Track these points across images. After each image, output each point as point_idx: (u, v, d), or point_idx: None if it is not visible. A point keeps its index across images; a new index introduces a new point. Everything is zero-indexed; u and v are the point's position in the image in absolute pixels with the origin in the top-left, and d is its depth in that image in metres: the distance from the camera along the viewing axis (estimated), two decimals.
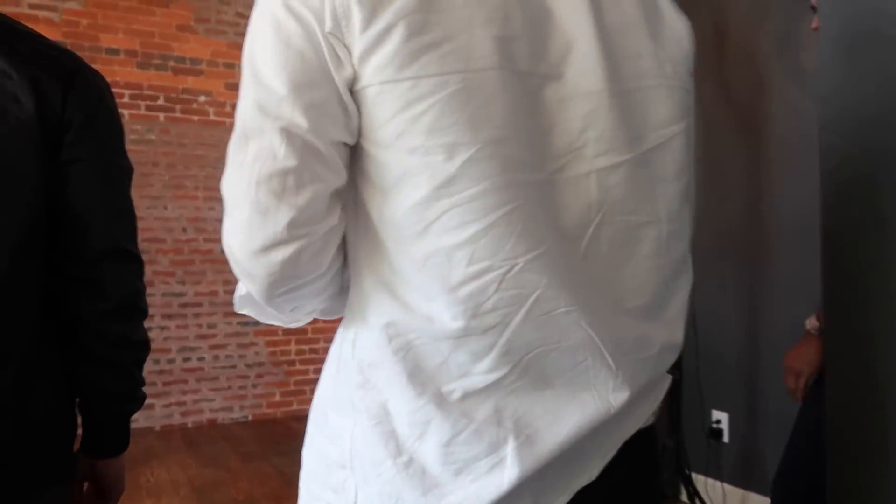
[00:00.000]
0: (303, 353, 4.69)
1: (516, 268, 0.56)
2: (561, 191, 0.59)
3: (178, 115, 4.39)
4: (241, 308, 0.70)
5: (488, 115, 0.55)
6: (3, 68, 0.83)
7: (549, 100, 0.58)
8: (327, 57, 0.54)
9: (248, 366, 4.54)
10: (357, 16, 0.53)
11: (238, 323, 4.52)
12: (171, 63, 4.39)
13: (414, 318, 0.58)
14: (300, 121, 0.55)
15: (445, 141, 0.54)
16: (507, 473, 0.56)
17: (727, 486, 2.83)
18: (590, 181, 0.60)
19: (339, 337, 0.67)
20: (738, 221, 2.81)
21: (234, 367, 4.51)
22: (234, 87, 4.55)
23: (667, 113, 0.64)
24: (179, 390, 4.27)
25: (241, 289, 0.67)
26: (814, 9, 1.67)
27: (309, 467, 0.68)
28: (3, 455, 0.83)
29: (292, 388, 4.65)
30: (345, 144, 0.58)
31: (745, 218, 2.78)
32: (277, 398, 4.60)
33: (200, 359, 4.38)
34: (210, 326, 4.44)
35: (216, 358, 4.46)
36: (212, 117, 4.49)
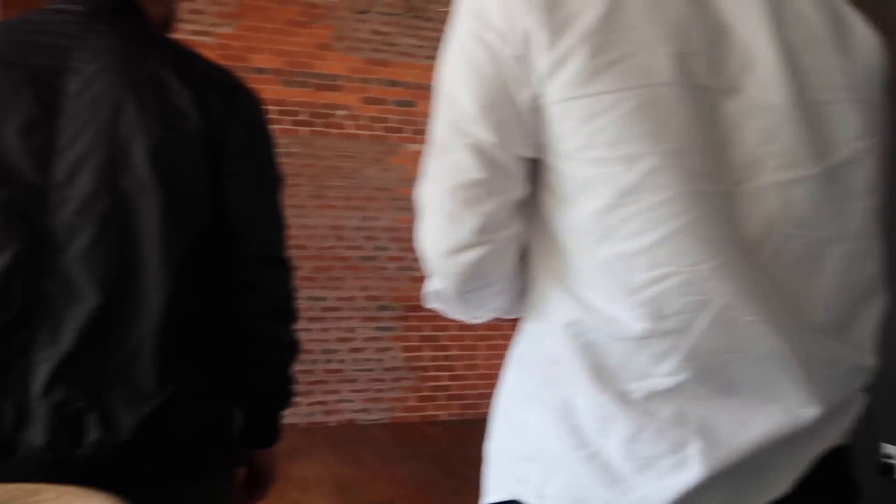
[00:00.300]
0: (436, 360, 4.76)
1: (699, 274, 0.57)
2: (740, 203, 0.60)
3: (319, 128, 4.62)
4: (430, 303, 0.74)
5: (668, 128, 0.57)
6: (175, 87, 0.89)
7: (727, 113, 0.60)
8: (512, 79, 0.60)
9: (385, 370, 4.67)
10: (542, 39, 0.58)
11: (375, 328, 4.68)
12: (313, 80, 4.64)
13: (595, 318, 0.60)
14: (488, 137, 0.61)
15: (627, 152, 0.57)
16: (691, 473, 0.57)
17: None
18: (770, 194, 0.60)
19: (522, 336, 0.70)
20: None
21: (371, 370, 4.66)
22: (370, 101, 4.73)
23: (856, 127, 0.63)
24: (321, 390, 4.48)
25: (433, 285, 0.72)
26: None
27: (494, 460, 0.70)
28: (179, 445, 0.90)
29: (426, 393, 4.73)
30: (528, 158, 0.63)
31: None
32: (412, 402, 4.70)
33: (341, 361, 4.57)
34: (349, 330, 4.62)
35: (355, 361, 4.63)
36: (349, 130, 4.69)
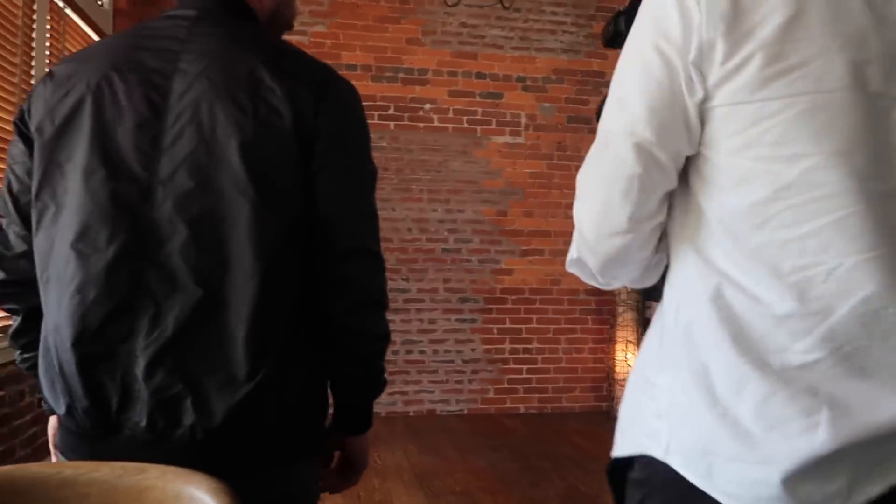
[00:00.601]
0: (517, 353, 4.76)
1: (844, 266, 0.62)
2: None
3: (406, 122, 4.70)
4: (570, 268, 0.82)
5: (834, 130, 0.62)
6: (269, 84, 0.91)
7: None
8: (683, 84, 0.66)
9: (465, 361, 4.71)
10: (720, 49, 0.63)
11: (456, 319, 4.72)
12: (401, 74, 4.71)
13: (741, 295, 0.66)
14: (650, 137, 0.68)
15: (789, 152, 0.63)
16: (821, 437, 0.60)
17: None
18: None
19: (662, 309, 0.76)
20: None
21: (451, 361, 4.71)
22: (456, 94, 4.76)
23: None
24: (402, 380, 4.57)
25: (574, 253, 0.80)
26: None
27: (626, 418, 0.77)
28: (268, 431, 0.93)
29: (505, 385, 4.74)
30: (684, 155, 0.70)
31: None
32: (491, 395, 4.72)
33: (421, 352, 4.64)
34: (431, 322, 4.68)
35: (435, 352, 4.70)
36: (436, 123, 4.73)
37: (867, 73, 0.63)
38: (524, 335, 4.77)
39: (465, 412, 4.68)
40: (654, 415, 0.72)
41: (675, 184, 0.72)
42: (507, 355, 4.75)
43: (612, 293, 4.52)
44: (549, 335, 4.78)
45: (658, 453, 0.70)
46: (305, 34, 4.45)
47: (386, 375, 1.07)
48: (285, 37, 1.12)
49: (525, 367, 4.73)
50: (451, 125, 4.73)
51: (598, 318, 4.81)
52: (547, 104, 4.81)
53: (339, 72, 1.07)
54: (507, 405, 4.73)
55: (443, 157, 4.71)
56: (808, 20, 0.63)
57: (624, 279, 0.81)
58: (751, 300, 0.66)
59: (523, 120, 4.78)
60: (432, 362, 4.69)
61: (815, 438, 0.61)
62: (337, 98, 0.97)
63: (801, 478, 0.61)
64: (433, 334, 4.69)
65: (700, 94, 0.66)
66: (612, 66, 0.77)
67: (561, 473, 3.41)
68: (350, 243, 0.97)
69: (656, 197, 0.71)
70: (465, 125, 4.74)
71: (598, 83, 4.88)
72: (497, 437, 4.10)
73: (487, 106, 4.77)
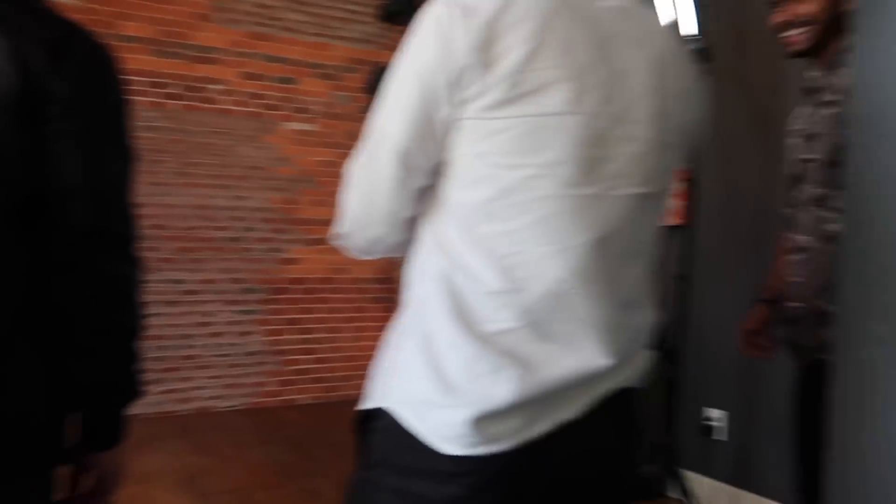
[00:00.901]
0: (300, 343, 4.69)
1: (540, 254, 0.79)
2: (608, 205, 0.81)
3: (191, 102, 4.40)
4: (335, 241, 0.95)
5: (550, 146, 0.77)
6: None
7: (612, 136, 0.80)
8: (437, 103, 0.79)
9: (245, 354, 4.53)
10: (472, 74, 0.76)
11: (237, 311, 4.52)
12: (188, 51, 4.40)
13: (464, 275, 0.81)
14: (408, 146, 0.81)
15: (513, 162, 0.78)
16: (509, 388, 0.78)
17: (718, 484, 2.83)
18: (627, 202, 0.82)
19: (411, 280, 0.90)
20: (747, 222, 2.81)
21: (229, 355, 4.50)
22: (249, 77, 4.56)
23: (671, 165, 0.91)
24: (174, 378, 4.27)
25: (342, 232, 0.93)
26: (772, 3, 1.66)
27: (372, 378, 0.90)
28: None
29: (287, 377, 4.64)
30: (435, 159, 0.83)
31: (754, 217, 2.78)
32: (272, 387, 4.60)
33: (198, 346, 4.38)
34: (208, 314, 4.44)
35: (213, 346, 4.46)
36: (225, 106, 4.50)
37: (588, 99, 0.78)
38: (308, 325, 4.72)
39: (244, 407, 4.50)
40: (391, 374, 0.87)
41: (429, 182, 0.85)
42: (290, 346, 4.66)
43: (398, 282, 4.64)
44: (334, 324, 4.77)
45: (392, 405, 0.84)
46: None
47: (141, 378, 0.93)
48: None
49: (308, 357, 4.68)
50: (242, 108, 4.53)
51: (384, 306, 4.91)
52: (342, 93, 4.80)
53: (117, 43, 0.95)
54: (289, 397, 4.64)
55: (230, 141, 4.49)
56: (544, 54, 0.77)
57: (384, 253, 0.95)
58: (471, 279, 0.80)
59: (316, 107, 4.72)
60: (209, 357, 4.44)
61: (505, 388, 0.78)
62: (79, 57, 0.86)
63: (490, 419, 0.78)
64: (211, 328, 4.45)
65: (448, 111, 0.79)
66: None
67: (338, 462, 3.41)
68: (89, 223, 0.85)
69: (413, 194, 0.86)
70: (256, 109, 4.56)
71: None
72: (277, 431, 4.01)
73: (280, 91, 4.64)
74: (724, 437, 2.86)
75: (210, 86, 4.45)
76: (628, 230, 0.84)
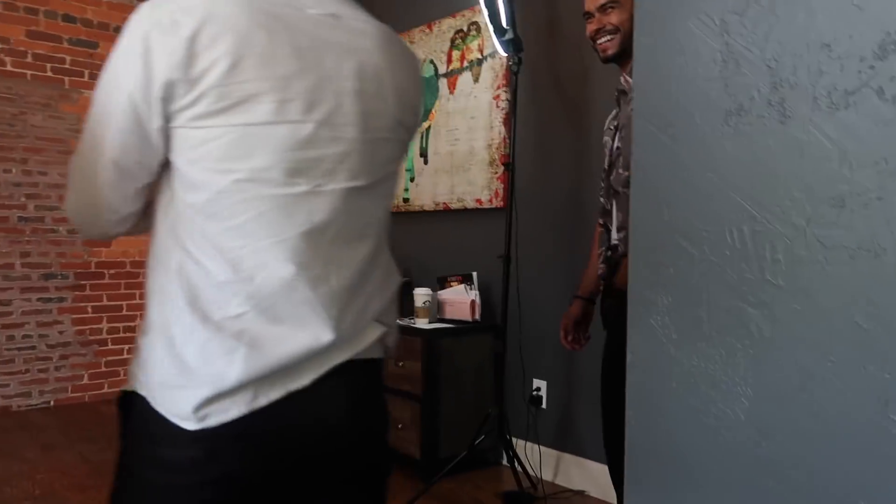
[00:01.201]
0: (116, 332, 4.33)
1: (262, 247, 0.87)
2: (318, 200, 0.90)
3: None
4: (68, 215, 0.98)
5: (260, 152, 0.86)
6: None
7: (317, 140, 0.89)
8: (144, 115, 0.84)
9: (51, 346, 4.11)
10: (179, 88, 0.82)
11: (39, 299, 4.08)
12: None
13: (196, 267, 0.87)
14: (119, 155, 0.87)
15: (225, 167, 0.85)
16: (236, 367, 0.86)
17: (544, 449, 3.04)
18: (338, 196, 0.91)
19: (151, 272, 0.94)
20: (562, 203, 2.99)
21: (33, 347, 4.06)
22: (36, 36, 4.05)
23: (389, 157, 0.99)
24: None
25: (70, 211, 0.96)
26: (586, 14, 1.86)
27: (133, 361, 0.95)
28: None
29: (103, 369, 4.28)
30: (151, 163, 0.89)
31: (569, 200, 2.97)
32: (85, 381, 4.22)
33: None
34: (4, 304, 3.96)
35: (11, 338, 3.99)
36: (9, 68, 3.96)
37: (289, 109, 0.86)
38: (125, 312, 4.37)
39: (52, 404, 4.10)
40: (139, 359, 0.93)
41: (149, 180, 0.91)
42: (104, 336, 4.29)
43: None
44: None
45: (136, 388, 0.91)
46: None
47: None
48: None
49: (127, 346, 4.34)
50: (29, 71, 4.02)
51: None
52: None
53: None
54: (106, 390, 4.29)
55: (18, 108, 3.97)
56: (245, 68, 0.83)
57: (119, 236, 1.02)
58: (203, 271, 0.87)
59: None
60: (7, 351, 3.97)
61: (237, 368, 0.86)
62: None
63: (223, 396, 0.86)
64: (8, 318, 3.98)
65: (160, 122, 0.85)
66: None
67: None
68: None
69: (135, 193, 0.92)
70: (50, 74, 4.07)
71: None
72: (92, 427, 3.69)
73: (79, 55, 4.17)
74: (544, 405, 3.08)
75: None
76: (344, 219, 0.93)
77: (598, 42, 1.85)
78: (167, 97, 0.82)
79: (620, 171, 1.85)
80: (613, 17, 1.81)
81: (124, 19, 4.30)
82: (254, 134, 0.85)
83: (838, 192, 0.65)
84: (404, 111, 0.99)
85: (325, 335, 0.90)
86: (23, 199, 4.00)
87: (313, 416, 0.93)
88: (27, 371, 4.05)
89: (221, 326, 0.86)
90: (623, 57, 1.82)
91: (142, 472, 0.92)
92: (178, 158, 0.86)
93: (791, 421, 0.70)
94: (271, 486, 0.93)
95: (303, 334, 0.89)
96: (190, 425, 0.86)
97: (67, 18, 4.16)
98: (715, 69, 0.76)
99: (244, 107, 0.83)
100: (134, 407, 0.92)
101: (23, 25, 4.02)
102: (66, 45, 4.15)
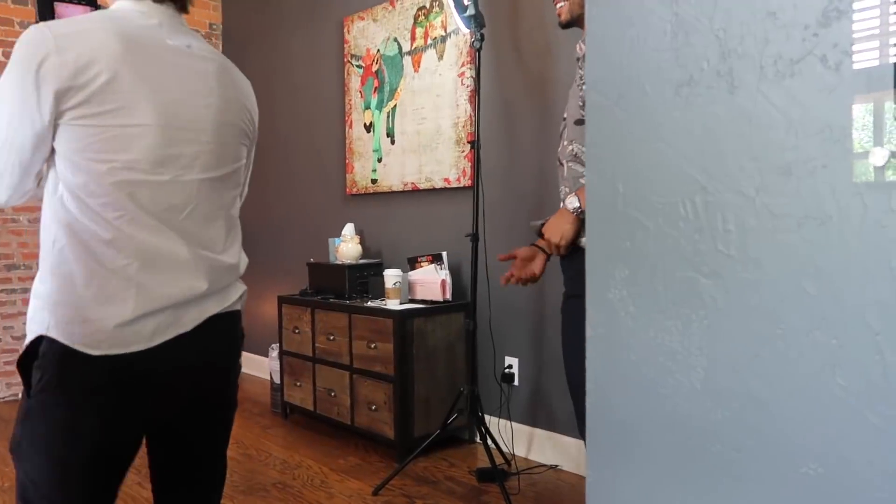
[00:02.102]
0: None
1: (134, 218, 1.12)
2: (177, 186, 1.17)
3: None
4: None
5: (132, 148, 1.11)
6: None
7: (178, 141, 1.16)
8: (43, 120, 1.08)
9: (16, 338, 4.02)
10: (69, 94, 1.07)
11: (2, 291, 3.98)
12: None
13: (87, 230, 1.11)
14: (24, 156, 1.11)
15: (104, 157, 1.10)
16: (130, 303, 1.11)
17: (516, 425, 3.07)
18: (194, 184, 1.20)
19: (43, 243, 1.15)
20: (528, 180, 2.99)
21: None
22: None
23: (235, 156, 1.29)
24: None
25: None
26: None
27: (29, 316, 1.15)
28: None
29: None
30: (41, 152, 1.12)
31: (535, 177, 2.97)
32: None
33: None
34: None
35: None
36: None
37: (158, 116, 1.13)
38: None
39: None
40: (41, 309, 1.12)
41: (40, 165, 1.14)
42: None
43: None
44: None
45: (44, 331, 1.11)
46: None
47: None
48: None
49: None
50: None
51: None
52: None
53: None
54: None
55: None
56: (120, 83, 1.09)
57: (16, 204, 1.22)
58: (90, 232, 1.10)
59: None
60: None
61: (130, 304, 1.11)
62: None
63: (124, 326, 1.11)
64: None
65: (52, 120, 1.08)
66: None
67: None
68: None
69: (32, 175, 1.14)
70: (2, 58, 3.94)
71: None
72: None
73: None
74: (516, 382, 3.10)
75: None
76: (202, 201, 1.21)
77: (556, 7, 1.90)
78: (60, 101, 1.06)
79: (564, 142, 1.87)
80: None
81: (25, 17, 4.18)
82: (127, 134, 1.10)
83: (785, 161, 0.65)
84: (244, 121, 1.30)
85: (200, 285, 1.19)
86: None
87: (194, 356, 1.21)
88: None
89: (114, 272, 1.11)
90: (580, 23, 1.86)
91: (49, 410, 1.12)
92: (65, 147, 1.09)
93: (744, 388, 0.71)
94: (153, 412, 1.20)
95: (178, 283, 1.16)
96: (100, 351, 1.09)
97: (17, 0, 4.01)
98: (665, 40, 0.75)
99: (120, 112, 1.09)
100: (39, 351, 1.12)
101: None
102: (17, 28, 4.01)
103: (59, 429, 1.12)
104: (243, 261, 1.33)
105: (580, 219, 1.77)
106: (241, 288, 1.32)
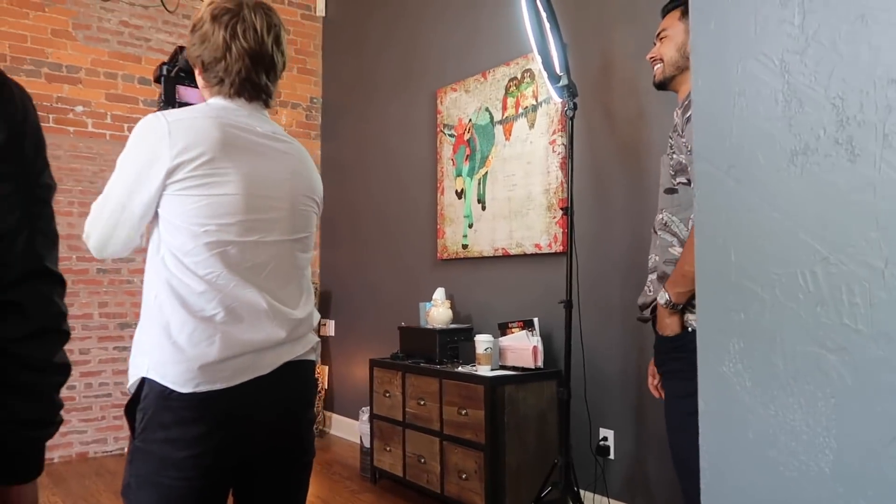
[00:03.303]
0: None
1: (223, 274, 1.30)
2: (260, 247, 1.36)
3: (51, 125, 4.10)
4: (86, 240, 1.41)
5: (225, 214, 1.30)
6: None
7: (261, 208, 1.35)
8: (153, 188, 1.29)
9: (125, 394, 4.25)
10: (177, 171, 1.28)
11: (115, 348, 4.24)
12: (45, 69, 4.11)
13: (182, 284, 1.29)
14: (137, 220, 1.33)
15: (201, 222, 1.29)
16: (215, 349, 1.27)
17: (613, 501, 2.93)
18: (274, 245, 1.38)
19: (146, 296, 1.33)
20: (622, 247, 2.95)
21: (109, 395, 4.21)
22: (115, 98, 4.32)
23: (307, 222, 1.48)
24: None
25: (92, 246, 1.39)
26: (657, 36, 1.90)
27: (132, 361, 1.32)
28: None
29: None
30: (148, 216, 1.33)
31: (628, 244, 2.92)
32: None
33: (71, 387, 4.07)
34: (83, 352, 4.14)
35: (89, 386, 4.15)
36: (90, 129, 4.23)
37: (247, 187, 1.33)
38: None
39: (126, 451, 4.21)
40: (140, 354, 1.30)
41: (144, 226, 1.34)
42: None
43: None
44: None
45: (144, 373, 1.27)
46: None
47: (61, 413, 0.96)
48: None
49: None
50: (108, 132, 4.27)
51: None
52: None
53: None
54: None
55: (98, 166, 4.22)
56: (220, 161, 1.30)
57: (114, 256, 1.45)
58: (185, 285, 1.28)
59: None
60: (84, 398, 4.13)
61: (215, 349, 1.27)
62: (11, 101, 0.88)
63: (208, 367, 1.26)
64: (86, 366, 4.15)
65: (157, 190, 1.28)
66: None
67: None
68: (27, 264, 0.89)
69: (136, 233, 1.34)
70: (126, 133, 4.32)
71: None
72: None
73: None
74: (612, 455, 2.98)
75: (72, 107, 4.17)
76: (281, 261, 1.39)
77: (653, 69, 1.94)
78: (169, 175, 1.27)
79: (658, 212, 1.85)
80: (660, 47, 1.90)
81: None
82: (219, 202, 1.29)
83: None
84: (314, 191, 1.49)
85: (278, 333, 1.35)
86: None
87: (272, 396, 1.34)
88: (103, 418, 4.19)
89: (204, 320, 1.27)
90: (675, 86, 1.88)
91: (150, 446, 1.25)
92: (168, 212, 1.29)
93: (880, 474, 0.65)
94: (238, 447, 1.30)
95: (261, 332, 1.32)
96: (187, 388, 1.25)
97: (143, 81, 4.42)
98: (777, 109, 0.74)
99: (215, 185, 1.29)
100: (141, 395, 1.27)
101: (102, 89, 4.29)
102: (140, 105, 4.40)
103: (159, 464, 1.24)
104: (315, 316, 1.48)
105: (674, 311, 1.73)
106: (313, 339, 1.46)
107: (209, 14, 1.39)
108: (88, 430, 4.14)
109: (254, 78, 1.40)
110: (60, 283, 0.96)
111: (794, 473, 0.72)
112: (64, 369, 0.96)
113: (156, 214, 1.32)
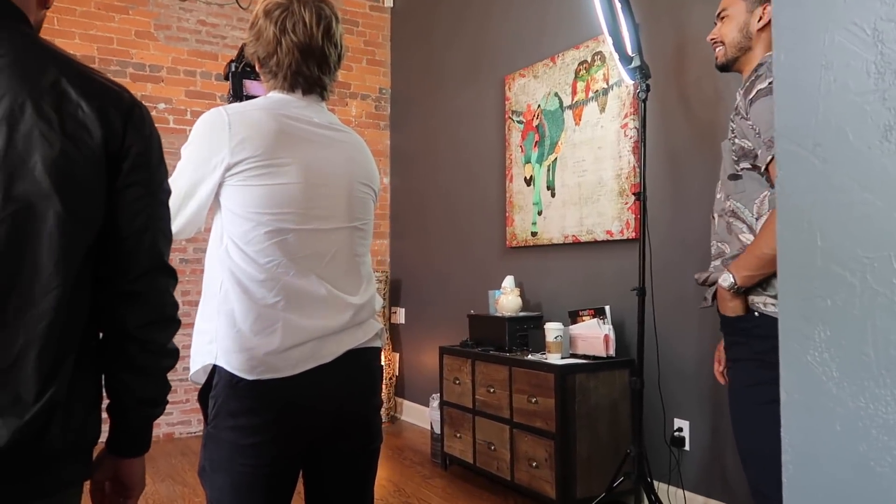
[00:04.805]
0: None
1: (283, 262, 1.32)
2: (320, 235, 1.37)
3: None
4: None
5: (285, 202, 1.33)
6: (76, 100, 0.94)
7: (320, 197, 1.37)
8: (212, 171, 1.32)
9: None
10: (237, 162, 1.31)
11: None
12: (130, 69, 4.31)
13: (244, 273, 1.31)
14: (196, 194, 1.34)
15: (262, 210, 1.31)
16: (278, 336, 1.29)
17: (688, 494, 2.86)
18: (332, 232, 1.39)
19: (210, 285, 1.36)
20: (697, 233, 2.85)
21: None
22: (194, 95, 4.48)
23: (366, 208, 1.48)
24: None
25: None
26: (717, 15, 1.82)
27: (195, 348, 1.37)
28: (52, 455, 0.91)
29: None
30: (208, 202, 1.36)
31: (702, 228, 2.83)
32: None
33: None
34: None
35: (174, 370, 4.36)
36: (171, 125, 4.41)
37: (303, 176, 1.34)
38: None
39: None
40: (208, 342, 1.32)
41: (206, 211, 1.36)
42: None
43: None
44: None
45: (213, 360, 1.30)
46: None
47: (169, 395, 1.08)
48: None
49: None
50: (188, 128, 4.44)
51: None
52: None
53: None
54: None
55: (179, 161, 4.40)
56: (277, 151, 1.32)
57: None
58: (248, 275, 1.30)
59: None
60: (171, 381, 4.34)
61: (277, 337, 1.29)
62: (143, 119, 1.03)
63: (272, 355, 1.28)
64: None
65: (219, 179, 1.32)
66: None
67: None
68: (150, 259, 1.02)
69: (200, 217, 1.36)
70: None
71: (343, 93, 4.95)
72: None
73: None
74: (687, 446, 2.91)
75: (155, 105, 4.36)
76: (340, 249, 1.40)
77: (715, 50, 1.87)
78: (230, 167, 1.30)
79: (719, 196, 1.77)
80: (722, 29, 1.82)
81: None
82: (282, 191, 1.32)
83: None
84: (371, 179, 1.50)
85: (337, 321, 1.35)
86: (183, 242, 4.39)
87: (335, 386, 1.35)
88: (187, 401, 4.39)
89: (266, 308, 1.29)
90: (739, 66, 1.81)
91: (221, 433, 1.29)
92: (230, 202, 1.32)
93: None
94: (302, 436, 1.33)
95: (320, 319, 1.33)
96: (252, 376, 1.27)
97: (220, 77, 4.57)
98: (869, 82, 0.69)
99: (274, 174, 1.31)
100: (213, 382, 1.30)
101: (182, 86, 4.47)
102: (218, 101, 4.56)
103: (229, 450, 1.29)
104: (378, 301, 1.49)
105: (737, 294, 1.65)
106: (376, 326, 1.46)
107: (262, 10, 1.40)
108: (174, 412, 4.34)
109: (305, 71, 1.40)
110: (174, 277, 1.08)
111: (885, 469, 0.68)
112: (175, 354, 1.09)
113: (218, 204, 1.35)
